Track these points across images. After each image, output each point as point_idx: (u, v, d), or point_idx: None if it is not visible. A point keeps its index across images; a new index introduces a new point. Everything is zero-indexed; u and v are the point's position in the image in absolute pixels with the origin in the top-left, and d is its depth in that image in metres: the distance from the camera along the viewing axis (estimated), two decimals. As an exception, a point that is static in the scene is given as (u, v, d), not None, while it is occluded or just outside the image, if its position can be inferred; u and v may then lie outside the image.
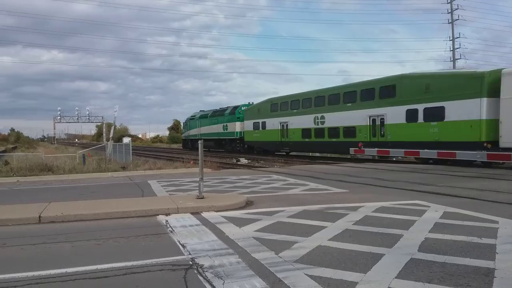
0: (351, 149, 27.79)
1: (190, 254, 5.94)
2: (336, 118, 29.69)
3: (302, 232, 7.08)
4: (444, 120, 21.60)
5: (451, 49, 51.67)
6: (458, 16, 51.55)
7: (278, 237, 6.77)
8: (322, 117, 31.24)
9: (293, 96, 36.16)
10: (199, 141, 11.08)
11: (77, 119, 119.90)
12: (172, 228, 7.64)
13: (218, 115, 51.39)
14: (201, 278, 4.92)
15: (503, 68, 19.66)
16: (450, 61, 51.38)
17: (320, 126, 31.40)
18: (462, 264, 5.19)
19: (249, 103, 46.61)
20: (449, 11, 51.74)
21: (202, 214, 8.94)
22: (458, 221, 7.76)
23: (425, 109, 22.59)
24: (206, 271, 5.14)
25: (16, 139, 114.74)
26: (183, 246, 6.37)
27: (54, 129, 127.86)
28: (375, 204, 9.63)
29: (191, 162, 23.92)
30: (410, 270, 5.02)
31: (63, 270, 5.26)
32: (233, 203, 9.82)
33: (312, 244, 6.27)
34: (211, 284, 4.71)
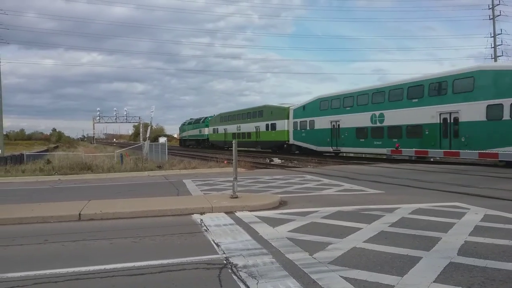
0: (387, 149, 27.21)
1: (224, 253, 5.99)
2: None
3: (336, 233, 7.00)
4: None
5: (492, 46, 49.83)
6: (500, 12, 49.65)
7: (312, 238, 6.72)
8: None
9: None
10: (233, 142, 11.14)
11: (115, 119, 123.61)
12: (206, 227, 7.73)
13: (195, 122, 74.20)
14: (235, 277, 4.95)
15: None
16: (491, 58, 49.54)
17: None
18: (504, 269, 5.00)
19: (213, 115, 64.55)
20: (490, 6, 49.92)
21: (236, 213, 8.99)
22: (500, 224, 7.47)
23: None
24: (240, 271, 5.16)
25: (58, 139, 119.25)
26: (218, 245, 6.42)
27: (94, 129, 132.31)
28: (412, 206, 9.41)
29: (225, 162, 24.11)
30: (449, 274, 4.87)
31: (102, 267, 5.41)
32: (266, 203, 9.83)
33: (346, 245, 6.19)
34: (245, 283, 4.73)
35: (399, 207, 9.28)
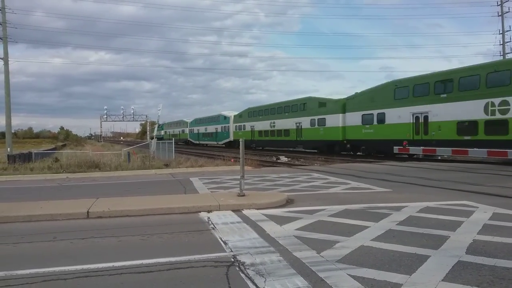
0: (395, 147, 27.02)
1: (231, 251, 6.00)
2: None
3: (343, 231, 6.99)
4: None
5: (501, 43, 49.36)
6: (509, 9, 49.21)
7: (319, 236, 6.72)
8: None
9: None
10: (240, 140, 11.14)
11: (123, 117, 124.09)
12: (214, 225, 7.74)
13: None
14: (242, 275, 4.96)
15: None
16: (500, 55, 49.07)
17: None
18: (513, 268, 4.97)
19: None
20: (499, 3, 49.45)
21: (243, 211, 9.00)
22: (509, 222, 7.42)
23: None
24: (248, 269, 5.17)
25: (65, 137, 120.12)
26: (225, 243, 6.44)
27: (101, 127, 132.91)
28: (419, 204, 9.37)
29: (232, 160, 24.14)
30: (458, 272, 4.85)
31: (110, 264, 5.44)
32: (273, 201, 9.83)
33: (354, 244, 6.18)
34: (252, 281, 4.73)
35: (407, 206, 9.24)
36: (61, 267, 5.36)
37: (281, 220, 7.97)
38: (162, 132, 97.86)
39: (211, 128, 68.42)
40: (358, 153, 33.25)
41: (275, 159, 33.29)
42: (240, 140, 11.15)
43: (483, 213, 8.36)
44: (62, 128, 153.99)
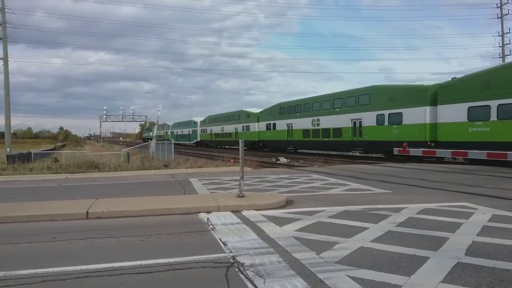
0: (395, 149, 26.95)
1: (231, 252, 6.00)
2: None
3: (343, 232, 6.99)
4: None
5: (500, 45, 49.44)
6: (508, 11, 49.22)
7: (318, 237, 6.72)
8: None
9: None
10: (240, 141, 11.13)
11: (122, 118, 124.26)
12: (213, 226, 7.74)
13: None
14: (242, 276, 4.96)
15: None
16: (499, 57, 49.16)
17: None
18: (513, 270, 4.97)
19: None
20: (498, 5, 49.52)
21: (242, 212, 9.00)
22: (508, 224, 7.42)
23: None
24: (247, 270, 5.17)
25: (65, 137, 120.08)
26: (224, 244, 6.44)
27: (100, 127, 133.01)
28: (419, 206, 9.37)
29: (231, 161, 24.15)
30: (457, 274, 4.85)
31: (110, 265, 5.44)
32: (273, 202, 9.83)
33: (353, 245, 6.18)
34: (252, 282, 4.73)
35: (406, 207, 9.25)
36: (60, 267, 5.35)
37: (280, 221, 7.97)
38: (163, 132, 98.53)
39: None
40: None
41: (274, 160, 33.32)
42: (240, 141, 11.14)
43: (482, 214, 8.36)
44: (61, 128, 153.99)
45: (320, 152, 38.23)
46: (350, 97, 33.19)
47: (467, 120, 22.49)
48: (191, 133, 76.63)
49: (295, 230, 7.23)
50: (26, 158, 28.71)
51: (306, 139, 38.54)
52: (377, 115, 29.62)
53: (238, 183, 10.67)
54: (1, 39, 31.10)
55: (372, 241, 6.42)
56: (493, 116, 21.03)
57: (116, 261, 5.60)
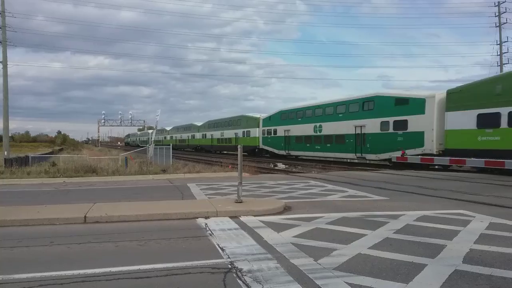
0: (392, 156, 27.01)
1: (229, 257, 6.00)
2: None
3: (341, 239, 7.00)
4: None
5: (498, 53, 49.72)
6: (506, 20, 49.58)
7: (316, 243, 6.73)
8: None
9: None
10: (238, 146, 11.16)
11: (120, 122, 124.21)
12: (211, 231, 7.74)
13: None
14: (240, 282, 4.96)
15: None
16: (497, 66, 49.41)
17: None
18: (509, 278, 4.99)
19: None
20: (497, 14, 49.85)
21: (240, 218, 9.00)
22: (506, 232, 7.45)
23: None
24: (245, 275, 5.17)
25: (63, 141, 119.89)
26: (222, 250, 6.44)
27: (98, 132, 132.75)
28: (416, 213, 9.39)
29: (230, 167, 24.14)
30: (455, 281, 4.87)
31: (107, 269, 5.44)
32: (271, 208, 9.84)
33: (351, 251, 6.19)
34: (250, 288, 4.74)
35: (404, 214, 9.27)
36: (58, 271, 5.35)
37: (278, 227, 7.98)
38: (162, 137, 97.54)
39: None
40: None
41: (272, 166, 33.32)
42: (239, 146, 11.17)
43: (479, 222, 8.39)
44: (59, 132, 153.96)
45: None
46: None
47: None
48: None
49: (293, 236, 7.24)
50: (23, 161, 28.67)
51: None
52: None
53: (236, 188, 10.68)
54: (1, 42, 31.14)
55: (370, 248, 6.43)
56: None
57: (114, 265, 5.59)
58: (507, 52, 49.55)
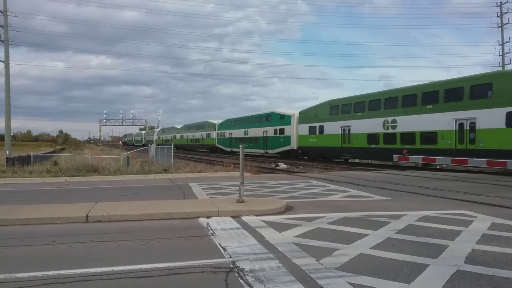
0: (394, 156, 26.97)
1: (231, 257, 6.01)
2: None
3: (343, 239, 7.00)
4: None
5: (500, 54, 49.61)
6: (508, 20, 49.47)
7: (318, 243, 6.72)
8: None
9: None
10: (240, 146, 11.16)
11: (122, 122, 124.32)
12: (213, 231, 7.75)
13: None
14: (242, 281, 4.96)
15: None
16: (499, 66, 49.30)
17: None
18: (511, 278, 4.98)
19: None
20: (499, 14, 49.76)
21: (242, 218, 9.00)
22: (508, 233, 7.43)
23: None
24: (247, 275, 5.18)
25: (64, 141, 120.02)
26: (224, 249, 6.44)
27: (100, 131, 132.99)
28: (418, 213, 9.38)
29: (231, 166, 24.14)
30: (457, 282, 4.86)
31: (109, 269, 5.44)
32: (272, 207, 9.84)
33: (353, 251, 6.19)
34: (252, 288, 4.74)
35: (406, 214, 9.26)
36: (60, 270, 5.36)
37: (280, 227, 7.98)
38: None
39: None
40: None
41: (274, 165, 33.30)
42: (240, 146, 11.17)
43: (482, 222, 8.38)
44: (61, 131, 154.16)
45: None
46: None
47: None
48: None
49: (295, 236, 7.24)
50: (25, 161, 28.72)
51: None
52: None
53: (237, 188, 10.68)
54: (3, 41, 31.19)
55: (372, 248, 6.42)
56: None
57: (116, 265, 5.60)
58: (509, 52, 49.43)
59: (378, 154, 30.37)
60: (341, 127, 33.73)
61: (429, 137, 25.32)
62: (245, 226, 8.18)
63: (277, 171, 27.59)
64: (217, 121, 65.95)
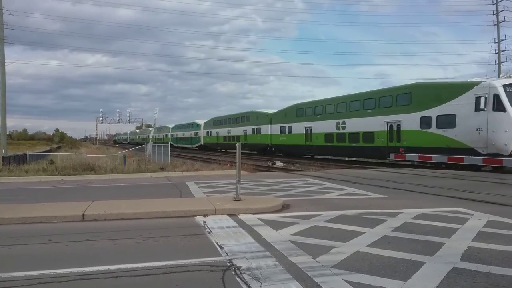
0: (391, 154, 27.15)
1: (227, 255, 6.01)
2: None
3: (339, 237, 7.01)
4: None
5: (496, 51, 49.78)
6: (504, 18, 49.63)
7: (315, 241, 6.73)
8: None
9: None
10: (237, 144, 11.15)
11: (118, 120, 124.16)
12: (209, 229, 7.74)
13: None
14: (238, 279, 4.96)
15: None
16: (495, 64, 49.48)
17: None
18: (507, 275, 5.00)
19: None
20: (495, 12, 49.90)
21: (239, 216, 9.00)
22: (503, 230, 7.47)
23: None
24: (244, 273, 5.18)
25: (60, 139, 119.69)
26: (221, 247, 6.44)
27: (96, 130, 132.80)
28: (415, 211, 9.41)
29: (228, 165, 24.13)
30: (453, 279, 4.88)
31: (106, 267, 5.43)
32: (269, 206, 9.85)
33: (350, 249, 6.20)
34: (248, 286, 4.74)
35: (402, 212, 9.28)
36: (56, 269, 5.34)
37: (277, 225, 7.98)
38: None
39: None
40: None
41: (270, 164, 33.31)
42: (237, 144, 11.16)
43: (477, 220, 8.41)
44: (57, 130, 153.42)
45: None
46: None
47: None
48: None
49: (291, 234, 7.25)
50: (21, 159, 28.61)
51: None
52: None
53: (234, 186, 10.67)
54: (-2, 40, 31.02)
55: (368, 245, 6.44)
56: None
57: (113, 263, 5.59)
58: (505, 50, 49.63)
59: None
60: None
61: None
62: (242, 224, 8.18)
63: (273, 170, 27.59)
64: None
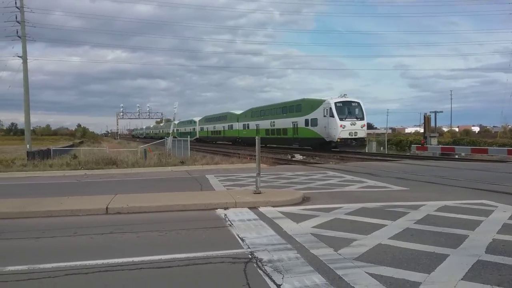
0: (412, 145, 27.13)
1: (249, 247, 6.04)
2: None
3: (361, 229, 6.97)
4: None
5: (521, 40, 48.36)
6: (529, 5, 48.27)
7: (336, 234, 6.71)
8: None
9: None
10: (256, 138, 11.16)
11: (138, 115, 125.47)
12: (230, 222, 7.80)
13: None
14: (260, 271, 4.99)
15: None
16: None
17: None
18: (534, 268, 4.90)
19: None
20: (519, -1, 48.49)
21: (259, 209, 9.04)
22: (530, 222, 7.31)
23: None
24: (265, 265, 5.21)
25: (82, 135, 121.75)
26: (242, 240, 6.48)
27: (117, 124, 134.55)
28: (437, 203, 9.29)
29: (247, 158, 24.18)
30: (477, 272, 4.81)
31: (130, 259, 5.53)
32: (289, 198, 9.85)
33: (372, 242, 6.17)
34: (270, 278, 4.77)
35: (424, 204, 9.17)
36: (82, 261, 5.47)
37: (297, 218, 7.99)
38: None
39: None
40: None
41: (290, 157, 33.24)
42: (256, 138, 11.17)
43: (502, 212, 8.26)
44: (79, 125, 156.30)
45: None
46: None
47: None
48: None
49: (312, 227, 7.24)
50: (45, 154, 29.21)
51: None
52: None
53: (254, 180, 10.69)
54: (20, 37, 31.64)
55: (390, 238, 6.39)
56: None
57: (136, 255, 5.69)
58: (530, 38, 48.13)
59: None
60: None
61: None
62: (263, 217, 8.21)
63: (292, 162, 27.54)
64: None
